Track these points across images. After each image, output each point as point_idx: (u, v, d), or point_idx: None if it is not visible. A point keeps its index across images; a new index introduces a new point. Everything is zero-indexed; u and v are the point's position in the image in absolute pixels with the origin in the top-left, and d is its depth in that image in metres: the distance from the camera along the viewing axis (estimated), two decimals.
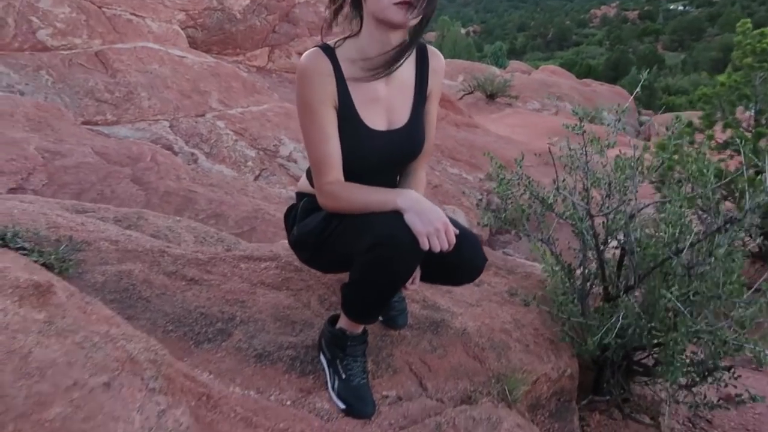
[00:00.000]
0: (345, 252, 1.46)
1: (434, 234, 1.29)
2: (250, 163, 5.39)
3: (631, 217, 2.09)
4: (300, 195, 1.70)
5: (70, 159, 3.79)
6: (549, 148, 2.61)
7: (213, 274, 1.81)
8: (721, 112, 4.32)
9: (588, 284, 2.16)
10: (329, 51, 1.46)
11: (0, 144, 3.60)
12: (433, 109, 1.63)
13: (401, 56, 1.44)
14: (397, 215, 1.35)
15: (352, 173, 1.47)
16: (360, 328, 1.57)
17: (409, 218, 1.31)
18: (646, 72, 3.08)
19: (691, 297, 1.74)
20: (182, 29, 6.79)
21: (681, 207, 2.02)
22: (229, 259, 1.89)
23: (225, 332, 1.59)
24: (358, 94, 1.47)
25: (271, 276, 1.86)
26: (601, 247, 2.11)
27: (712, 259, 1.80)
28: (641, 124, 24.02)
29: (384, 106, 1.51)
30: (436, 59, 1.60)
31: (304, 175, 1.71)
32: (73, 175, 3.68)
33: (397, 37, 1.44)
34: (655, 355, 1.91)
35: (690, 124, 4.39)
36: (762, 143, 4.24)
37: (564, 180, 2.58)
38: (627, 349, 2.05)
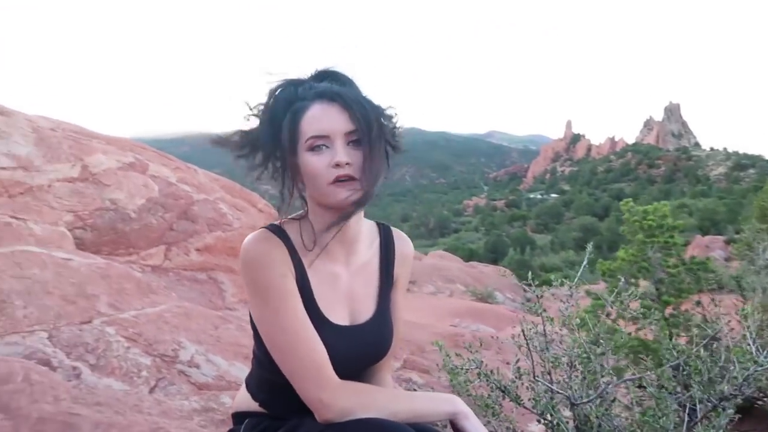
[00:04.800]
0: None
1: None
2: (144, 373, 4.68)
3: (613, 401, 1.89)
4: (240, 416, 1.32)
5: None
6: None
7: None
8: (626, 284, 4.53)
9: None
10: (278, 230, 1.23)
11: None
12: (400, 299, 1.39)
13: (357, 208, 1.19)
14: None
15: None
16: None
17: (472, 424, 1.13)
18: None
19: None
20: (69, 230, 6.34)
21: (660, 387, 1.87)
22: None
23: None
24: (316, 279, 1.23)
25: None
26: None
27: None
28: (527, 299, 25.62)
29: (345, 295, 1.27)
30: (404, 243, 1.38)
31: (242, 388, 1.35)
32: None
33: None
34: None
35: (598, 297, 4.54)
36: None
37: (517, 361, 2.38)
38: None
